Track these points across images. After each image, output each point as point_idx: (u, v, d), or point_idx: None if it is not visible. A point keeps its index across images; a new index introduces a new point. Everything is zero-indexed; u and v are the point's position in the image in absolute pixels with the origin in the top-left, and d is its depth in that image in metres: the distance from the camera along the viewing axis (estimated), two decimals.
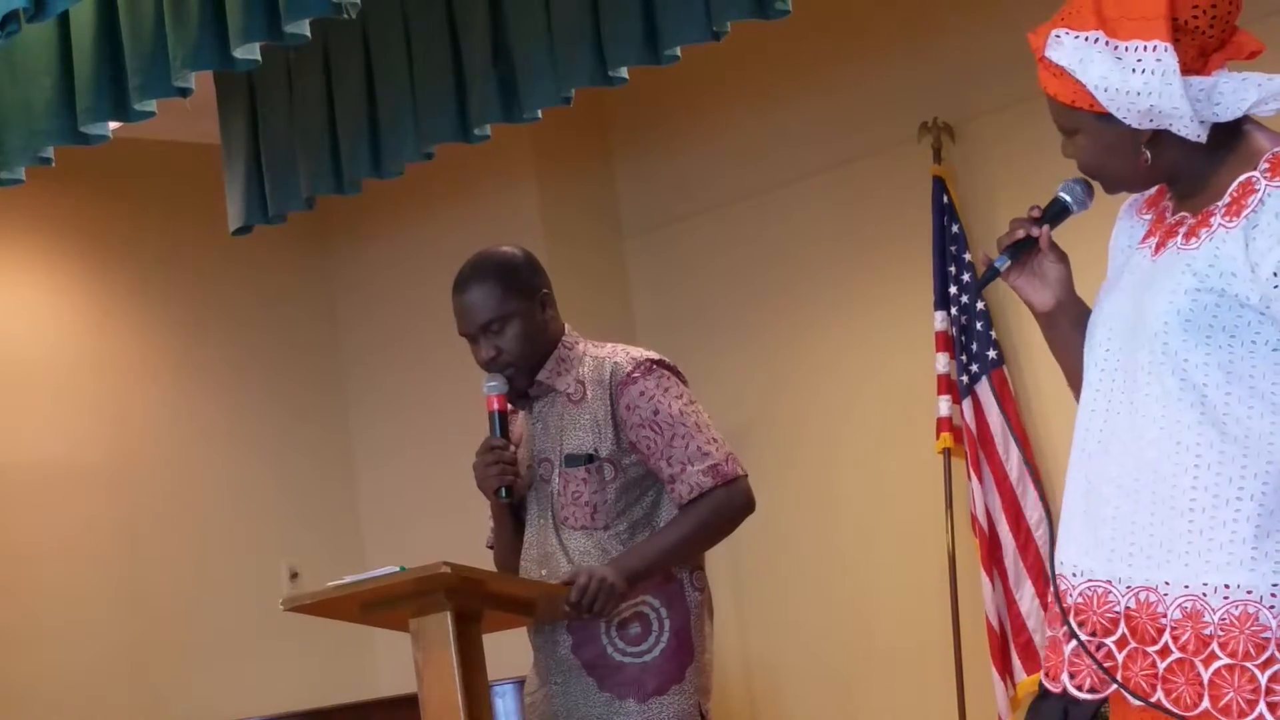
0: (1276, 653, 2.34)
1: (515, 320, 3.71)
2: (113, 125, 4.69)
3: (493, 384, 3.73)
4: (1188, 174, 2.52)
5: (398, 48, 5.04)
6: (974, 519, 5.67)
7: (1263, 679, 2.34)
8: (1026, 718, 5.39)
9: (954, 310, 5.80)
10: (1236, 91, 2.44)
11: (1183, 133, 2.45)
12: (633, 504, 3.71)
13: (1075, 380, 2.64)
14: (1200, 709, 2.37)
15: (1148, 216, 2.62)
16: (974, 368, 5.75)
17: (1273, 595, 2.35)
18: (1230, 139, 2.48)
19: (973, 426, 5.71)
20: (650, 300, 6.89)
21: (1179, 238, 2.49)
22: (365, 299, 7.34)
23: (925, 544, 5.89)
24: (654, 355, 3.77)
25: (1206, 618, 2.38)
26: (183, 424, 6.92)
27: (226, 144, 5.43)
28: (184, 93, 4.45)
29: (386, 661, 6.93)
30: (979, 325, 5.76)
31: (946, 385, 5.79)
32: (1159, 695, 2.41)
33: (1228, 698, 2.36)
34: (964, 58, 5.90)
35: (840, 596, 6.30)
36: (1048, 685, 2.57)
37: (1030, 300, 2.69)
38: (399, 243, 7.16)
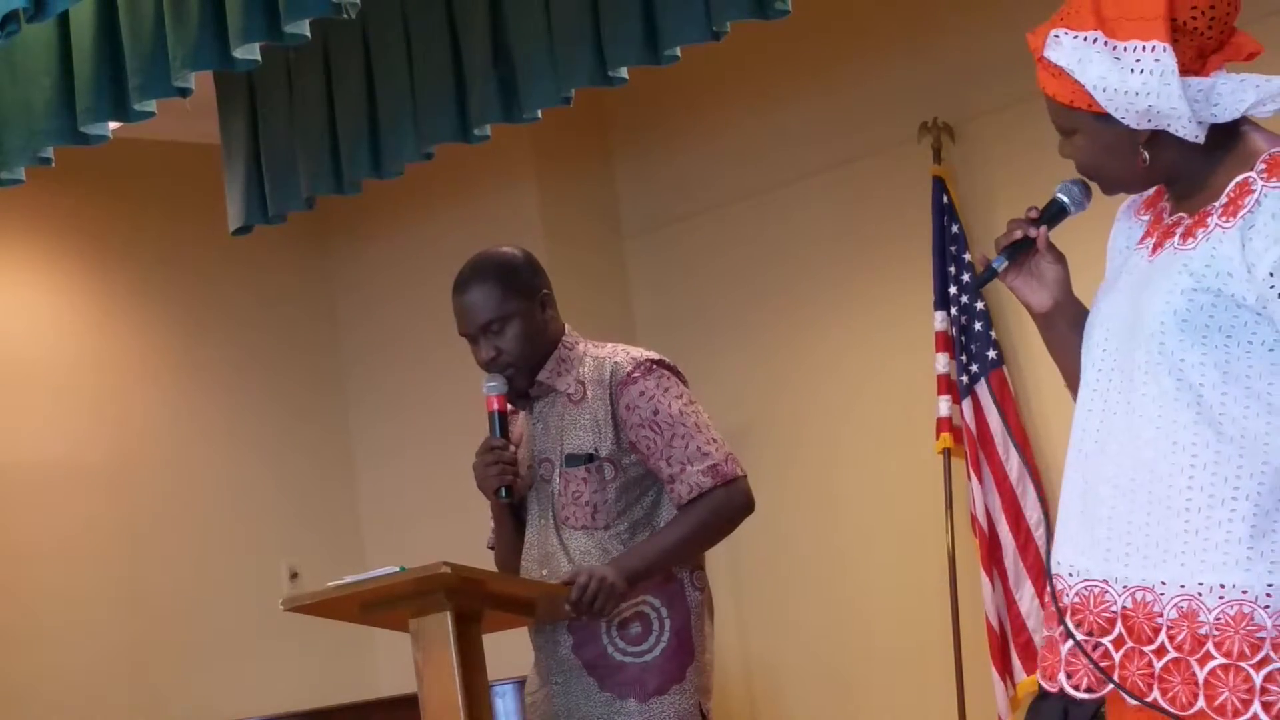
0: (1271, 653, 2.35)
1: (515, 320, 3.71)
2: (112, 125, 4.69)
3: (492, 384, 3.73)
4: (1185, 175, 2.52)
5: (398, 48, 5.04)
6: (974, 519, 5.67)
7: (1257, 679, 2.35)
8: (1026, 717, 5.41)
9: (954, 310, 5.80)
10: (1234, 92, 2.45)
11: (1180, 133, 2.45)
12: (633, 504, 3.71)
13: (1073, 380, 2.65)
14: (1195, 708, 2.38)
15: (1146, 217, 2.63)
16: (974, 368, 5.75)
17: (1268, 595, 2.36)
18: (1228, 140, 2.49)
19: (973, 427, 5.71)
20: (650, 300, 6.89)
21: (1176, 238, 2.50)
22: (365, 299, 7.34)
23: (925, 544, 5.89)
24: (654, 355, 3.77)
25: (1202, 617, 2.38)
26: (183, 424, 6.92)
27: (226, 144, 5.43)
28: (184, 93, 4.45)
29: (386, 661, 6.94)
30: (979, 325, 5.76)
31: (946, 385, 5.79)
32: (1155, 695, 2.42)
33: (1222, 697, 2.36)
34: (964, 58, 5.90)
35: (840, 596, 6.30)
36: (1044, 685, 2.58)
37: (1028, 301, 2.69)
38: (399, 243, 7.16)
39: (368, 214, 7.08)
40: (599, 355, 3.76)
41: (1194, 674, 2.38)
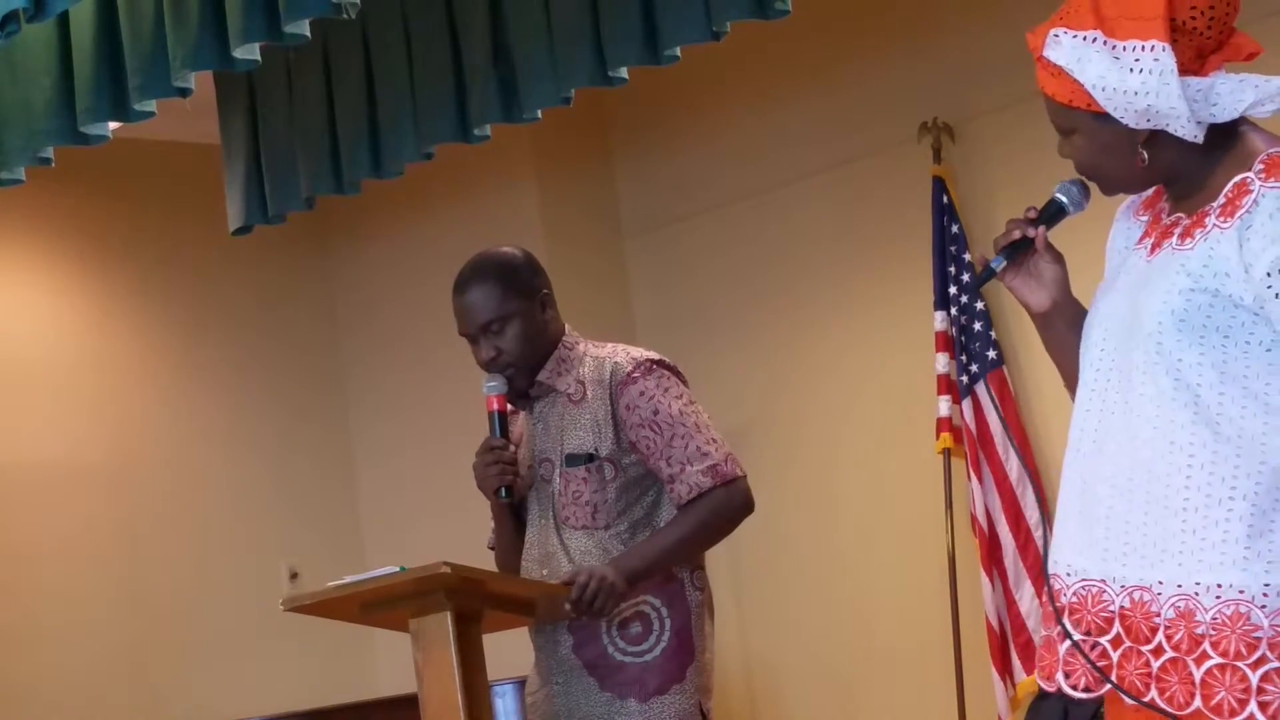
0: (1268, 652, 2.35)
1: (515, 320, 3.71)
2: (112, 125, 4.69)
3: (492, 384, 3.73)
4: (1184, 175, 2.52)
5: (398, 48, 5.04)
6: (974, 519, 5.67)
7: (1254, 678, 2.35)
8: (1026, 717, 5.41)
9: (954, 310, 5.79)
10: (1233, 92, 2.45)
11: (1179, 133, 2.45)
12: (633, 504, 3.71)
13: (1071, 380, 2.65)
14: (1192, 708, 2.38)
15: (1144, 218, 2.63)
16: (974, 368, 5.75)
17: (1264, 595, 2.36)
18: (1226, 140, 2.49)
19: (972, 427, 5.71)
20: (650, 300, 6.89)
21: (1174, 238, 2.50)
22: (365, 299, 7.34)
23: (925, 544, 5.89)
24: (654, 355, 3.77)
25: (1199, 617, 2.39)
26: (183, 424, 6.92)
27: (226, 144, 5.43)
28: (184, 93, 4.45)
29: (386, 661, 6.94)
30: (979, 325, 5.76)
31: (946, 385, 5.79)
32: (1153, 694, 2.42)
33: (1219, 697, 2.36)
34: (964, 58, 5.90)
35: (840, 596, 6.30)
36: (1042, 684, 2.58)
37: (1026, 301, 2.70)
38: (399, 243, 7.16)
39: (368, 214, 7.08)
40: (599, 355, 3.76)
41: (1191, 674, 2.39)
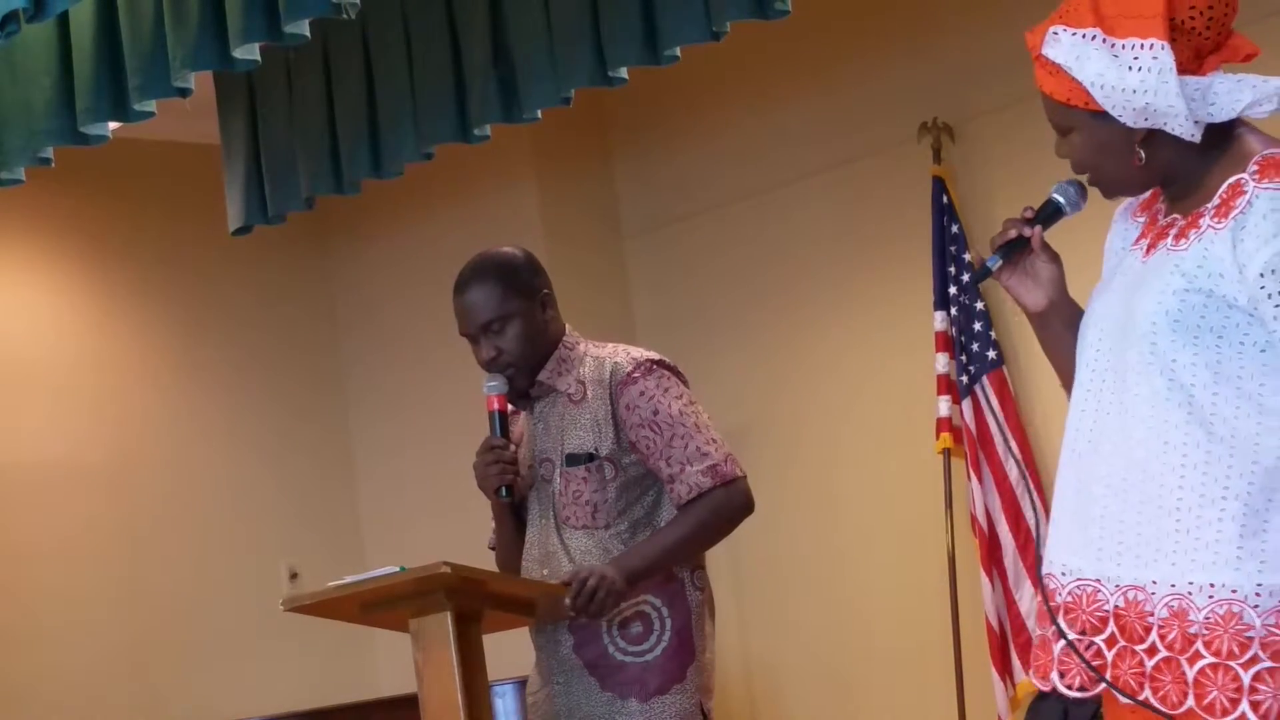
0: (1260, 652, 2.36)
1: (516, 320, 3.71)
2: (112, 125, 4.69)
3: (493, 384, 3.73)
4: (1181, 175, 2.53)
5: (398, 48, 5.04)
6: (974, 519, 5.67)
7: (1246, 678, 2.36)
8: (1026, 717, 5.41)
9: (954, 310, 5.79)
10: (1231, 92, 2.45)
11: (1177, 131, 2.46)
12: (633, 503, 3.71)
13: (1068, 380, 2.66)
14: (1185, 707, 2.39)
15: (1142, 219, 2.64)
16: (974, 368, 5.75)
17: (1257, 595, 2.37)
18: (1223, 141, 2.50)
19: (972, 427, 5.71)
20: (650, 300, 6.89)
21: (1169, 239, 2.51)
22: (365, 299, 7.34)
23: (925, 544, 5.89)
24: (654, 355, 3.77)
25: (1192, 616, 2.39)
26: (183, 424, 6.92)
27: (226, 144, 5.43)
28: (184, 93, 4.45)
29: (386, 661, 6.94)
30: (978, 325, 5.76)
31: (946, 385, 5.79)
32: (1146, 693, 2.42)
33: (1211, 696, 2.37)
34: (964, 58, 5.90)
35: (840, 596, 6.30)
36: (1037, 684, 2.59)
37: (1022, 300, 2.70)
38: (399, 243, 7.16)
39: (368, 214, 7.08)
40: (599, 355, 3.76)
41: (1184, 673, 2.39)
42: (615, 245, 6.97)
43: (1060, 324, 2.69)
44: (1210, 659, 2.37)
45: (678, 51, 4.60)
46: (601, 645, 3.67)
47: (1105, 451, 2.50)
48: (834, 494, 6.31)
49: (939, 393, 5.79)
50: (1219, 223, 2.43)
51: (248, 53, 4.26)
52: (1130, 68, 2.44)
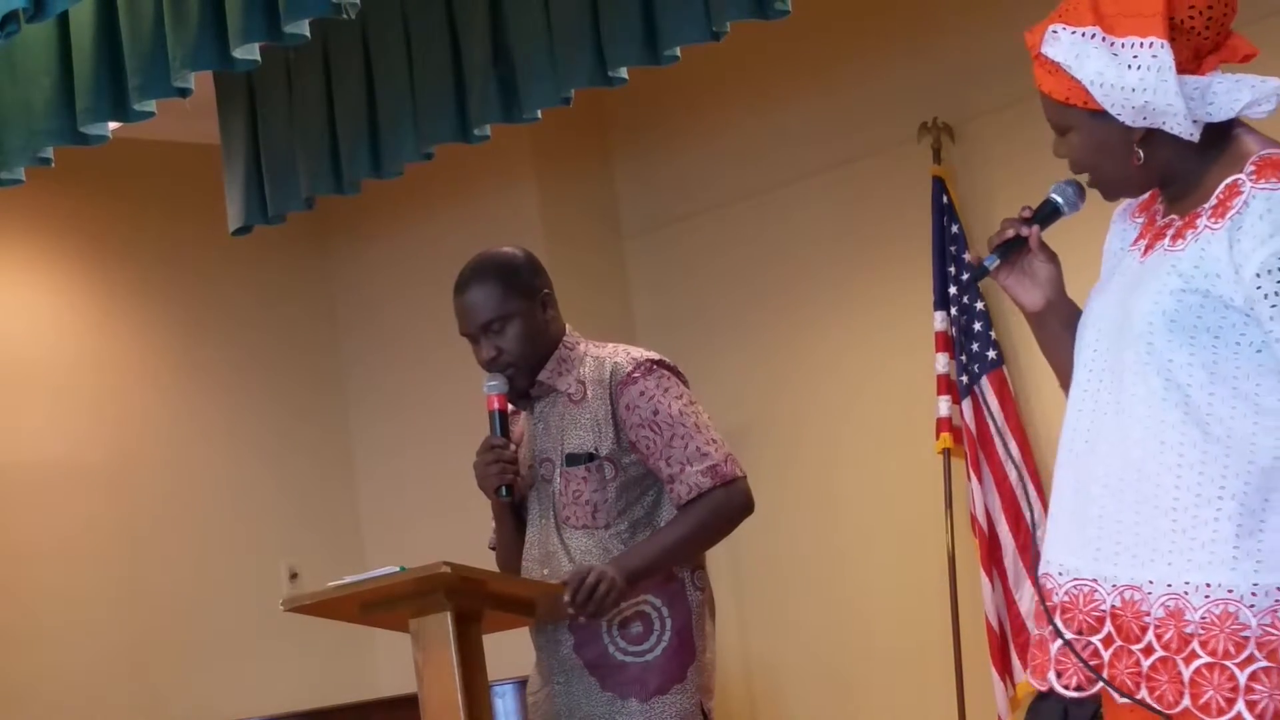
0: (1255, 652, 2.36)
1: (516, 320, 3.72)
2: (112, 125, 4.69)
3: (493, 384, 3.73)
4: (1179, 175, 2.53)
5: (398, 48, 5.04)
6: (973, 519, 5.67)
7: (1241, 677, 2.36)
8: (1026, 718, 5.41)
9: (954, 310, 5.79)
10: (1230, 92, 2.46)
11: (1175, 130, 2.46)
12: (633, 503, 3.71)
13: (1066, 380, 2.67)
14: (1181, 707, 2.39)
15: (1140, 220, 2.64)
16: (974, 368, 5.75)
17: (1253, 595, 2.37)
18: (1221, 141, 2.50)
19: (972, 427, 5.71)
20: (650, 300, 6.89)
21: (1166, 239, 2.51)
22: (365, 299, 7.34)
23: (925, 544, 5.89)
24: (654, 355, 3.77)
25: (1188, 616, 2.40)
26: (183, 424, 6.92)
27: (226, 144, 5.43)
28: (183, 93, 4.45)
29: (386, 661, 6.94)
30: (978, 325, 5.76)
31: (946, 385, 5.79)
32: (1143, 693, 2.43)
33: (1207, 696, 2.37)
34: (964, 58, 5.90)
35: (840, 596, 6.30)
36: (1034, 683, 2.59)
37: (1020, 300, 2.71)
38: (399, 243, 7.16)
39: (368, 214, 7.08)
40: (600, 355, 3.76)
41: (1180, 672, 2.40)
42: (615, 245, 6.97)
43: (1058, 324, 2.69)
44: (1206, 658, 2.38)
45: (678, 51, 4.60)
46: (602, 645, 3.67)
47: (1102, 451, 2.51)
48: (834, 494, 6.31)
49: (939, 393, 5.79)
50: (1216, 223, 2.44)
51: (248, 53, 4.26)
52: (1129, 66, 2.44)
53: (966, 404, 5.73)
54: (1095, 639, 2.48)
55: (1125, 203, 2.70)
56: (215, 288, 7.05)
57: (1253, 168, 2.44)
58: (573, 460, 3.71)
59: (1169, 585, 2.42)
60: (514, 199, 6.83)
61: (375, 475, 7.33)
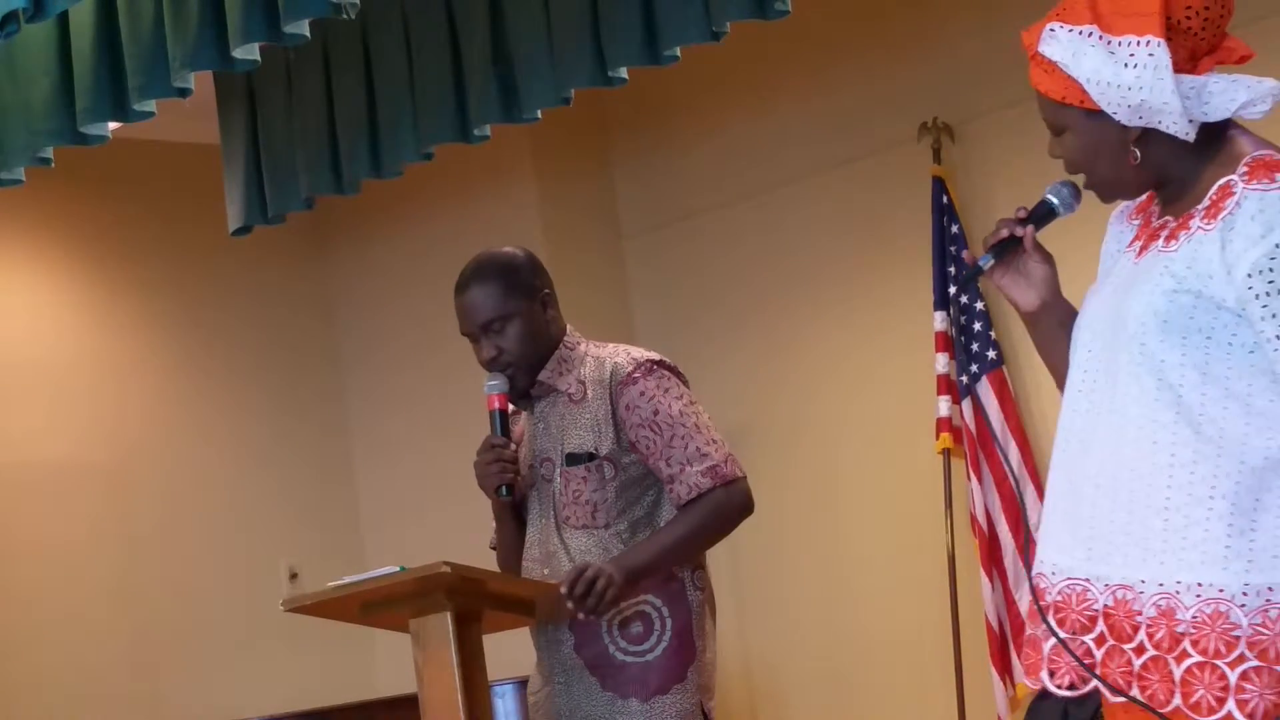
0: (1246, 651, 2.37)
1: (516, 320, 3.72)
2: (112, 125, 4.69)
3: (494, 383, 3.73)
4: (1175, 176, 2.54)
5: (397, 48, 5.04)
6: (973, 519, 5.67)
7: (1232, 677, 2.37)
8: (1025, 718, 5.41)
9: (954, 311, 5.79)
10: (1226, 92, 2.46)
11: (1171, 130, 2.46)
12: (633, 503, 3.71)
13: (1062, 380, 2.67)
14: (1172, 706, 2.40)
15: (1137, 222, 2.65)
16: (974, 368, 5.75)
17: (1244, 594, 2.38)
18: (1215, 142, 2.51)
19: (972, 427, 5.71)
20: (649, 301, 6.89)
21: (1160, 240, 2.52)
22: (365, 299, 7.34)
23: (925, 544, 5.89)
24: (655, 356, 3.77)
25: (1179, 615, 2.41)
26: (183, 424, 6.92)
27: (226, 144, 5.43)
28: (183, 93, 4.45)
29: (386, 661, 6.93)
30: (979, 326, 5.76)
31: (946, 385, 5.79)
32: (1135, 691, 2.43)
33: (1198, 695, 2.38)
34: (964, 58, 5.90)
35: (840, 596, 6.30)
36: (1027, 682, 2.60)
37: (1015, 300, 2.72)
38: (398, 243, 7.16)
39: (367, 214, 7.08)
40: (600, 355, 3.77)
41: (1171, 672, 2.41)
42: (615, 245, 6.97)
43: (1054, 324, 2.70)
44: (1197, 658, 2.39)
45: (678, 51, 4.60)
46: (602, 645, 3.68)
47: (1096, 452, 2.51)
48: (834, 494, 6.31)
49: (939, 393, 5.79)
50: (1208, 224, 2.44)
51: (247, 53, 4.26)
52: (1126, 64, 2.45)
53: (966, 404, 5.74)
54: (1087, 638, 2.49)
55: (1123, 205, 2.70)
56: (215, 288, 7.05)
57: (1245, 169, 2.44)
58: (573, 460, 3.71)
59: (1161, 585, 2.43)
60: (514, 199, 6.83)
61: (375, 475, 7.32)
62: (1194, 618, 2.39)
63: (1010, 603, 5.60)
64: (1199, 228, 2.45)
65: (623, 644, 3.67)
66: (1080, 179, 2.63)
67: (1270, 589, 2.38)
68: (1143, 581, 2.44)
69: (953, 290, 5.79)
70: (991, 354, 5.72)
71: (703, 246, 6.70)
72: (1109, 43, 2.46)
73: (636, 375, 3.70)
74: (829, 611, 6.32)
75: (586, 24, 4.64)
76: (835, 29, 6.19)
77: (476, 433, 3.75)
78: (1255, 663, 2.36)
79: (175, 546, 6.77)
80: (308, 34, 4.26)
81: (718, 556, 4.03)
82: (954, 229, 5.81)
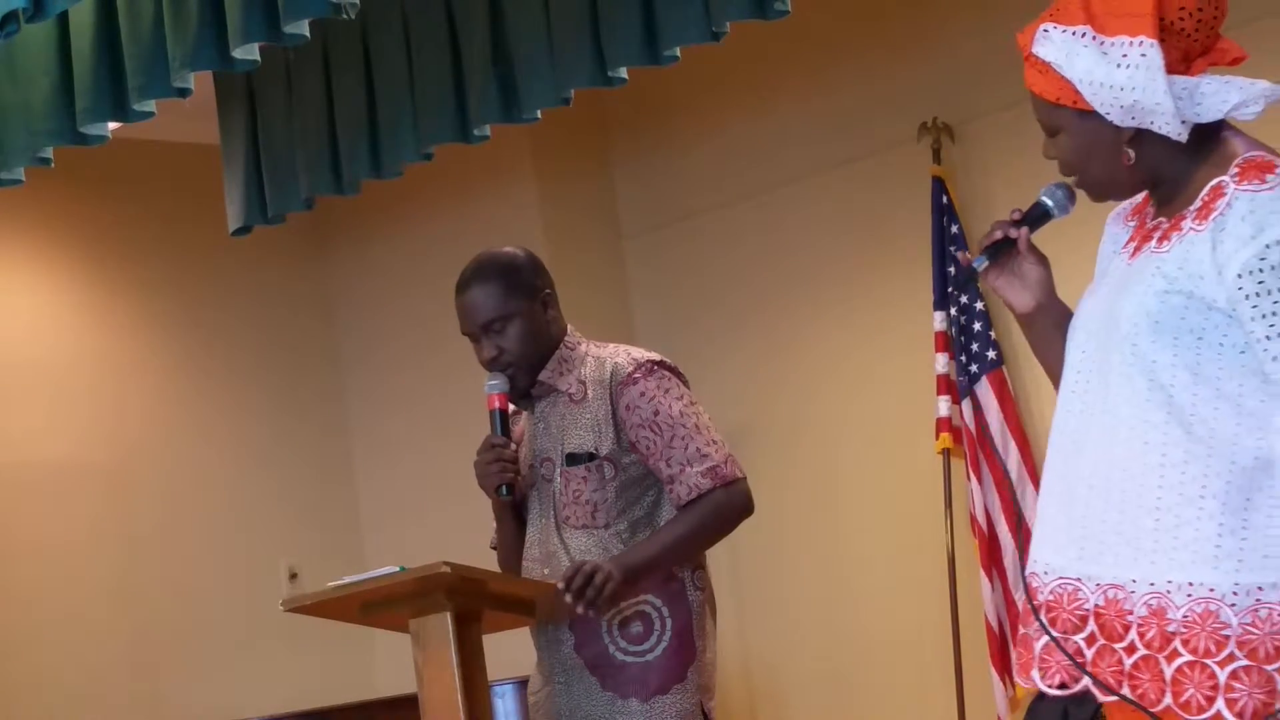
0: (1236, 650, 2.38)
1: (517, 320, 3.72)
2: (112, 125, 4.69)
3: (494, 383, 3.73)
4: (1168, 177, 2.54)
5: (397, 48, 5.04)
6: (973, 519, 5.67)
7: (1222, 676, 2.37)
8: (1025, 718, 5.40)
9: (953, 310, 5.80)
10: (1218, 93, 2.47)
11: (1164, 130, 2.47)
12: (633, 503, 3.71)
13: (1058, 380, 2.68)
14: (1162, 705, 2.41)
15: (1133, 223, 2.66)
16: (973, 368, 5.75)
17: (1234, 594, 2.39)
18: (1208, 143, 2.51)
19: (972, 427, 5.71)
20: (649, 301, 6.89)
21: (1153, 241, 2.52)
22: (364, 299, 7.34)
23: (925, 544, 5.89)
24: (655, 356, 3.77)
25: (1170, 615, 2.41)
26: (182, 424, 6.92)
27: (226, 144, 5.43)
28: (183, 93, 4.45)
29: (386, 661, 6.94)
30: (978, 326, 5.76)
31: (946, 385, 5.79)
32: (1125, 690, 2.44)
33: (1188, 694, 2.39)
34: (964, 58, 5.91)
35: (840, 596, 6.30)
36: (1019, 681, 2.61)
37: (1010, 301, 2.72)
38: (398, 243, 7.16)
39: (367, 214, 7.08)
40: (600, 355, 3.77)
41: (1161, 671, 2.41)
42: (615, 245, 6.97)
43: (1049, 325, 2.70)
44: (1187, 657, 2.39)
45: (678, 51, 4.60)
46: (602, 645, 3.68)
47: (1088, 452, 2.52)
48: (834, 494, 6.31)
49: (939, 393, 5.79)
50: (1200, 225, 2.45)
51: (247, 53, 4.26)
52: (1119, 65, 2.45)
53: (966, 404, 5.74)
54: (1078, 637, 2.50)
55: (1119, 207, 2.71)
56: (215, 288, 7.05)
57: (1236, 169, 2.45)
58: (573, 460, 3.71)
59: (1151, 584, 2.43)
60: (514, 199, 6.83)
61: (375, 475, 7.33)
62: (1184, 617, 2.40)
63: (1010, 603, 5.60)
64: (1190, 228, 2.45)
65: (623, 644, 3.67)
66: (1074, 180, 2.64)
67: (1260, 589, 2.39)
68: (1134, 581, 2.45)
69: (953, 290, 5.79)
70: (991, 354, 5.72)
71: (703, 246, 6.70)
72: (1102, 43, 2.47)
73: (637, 375, 3.70)
74: (829, 611, 6.32)
75: (586, 24, 4.64)
76: (835, 29, 6.19)
77: (476, 433, 3.75)
78: (1245, 662, 2.37)
79: (175, 546, 6.77)
80: (307, 34, 4.26)
81: (718, 556, 4.03)
82: (954, 229, 5.81)
